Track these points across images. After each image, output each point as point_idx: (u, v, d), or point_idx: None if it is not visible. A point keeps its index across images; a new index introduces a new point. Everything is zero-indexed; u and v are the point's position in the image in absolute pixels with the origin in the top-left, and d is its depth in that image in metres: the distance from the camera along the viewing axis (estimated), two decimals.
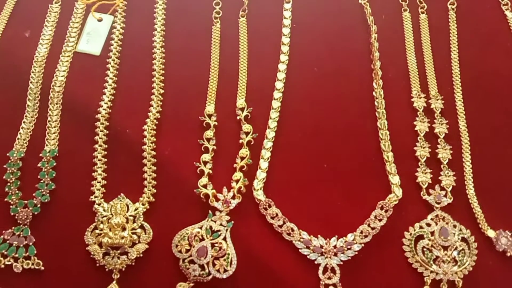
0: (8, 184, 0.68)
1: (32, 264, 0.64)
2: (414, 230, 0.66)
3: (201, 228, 0.65)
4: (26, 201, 0.67)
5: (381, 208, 0.67)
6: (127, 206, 0.67)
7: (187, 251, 0.64)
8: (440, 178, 0.69)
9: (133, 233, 0.65)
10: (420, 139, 0.71)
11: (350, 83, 0.75)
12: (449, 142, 0.72)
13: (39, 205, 0.67)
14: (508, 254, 0.66)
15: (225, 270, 0.63)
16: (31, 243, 0.65)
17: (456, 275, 0.64)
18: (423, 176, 0.69)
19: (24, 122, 0.71)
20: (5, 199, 0.67)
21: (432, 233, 0.66)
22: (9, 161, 0.69)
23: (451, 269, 0.64)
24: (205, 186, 0.67)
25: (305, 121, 0.73)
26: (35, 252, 0.65)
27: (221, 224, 0.66)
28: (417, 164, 0.70)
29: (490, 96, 0.75)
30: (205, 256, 0.64)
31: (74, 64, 0.75)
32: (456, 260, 0.65)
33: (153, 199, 0.67)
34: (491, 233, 0.67)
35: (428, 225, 0.66)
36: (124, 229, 0.65)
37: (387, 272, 0.65)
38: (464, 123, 0.73)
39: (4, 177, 0.68)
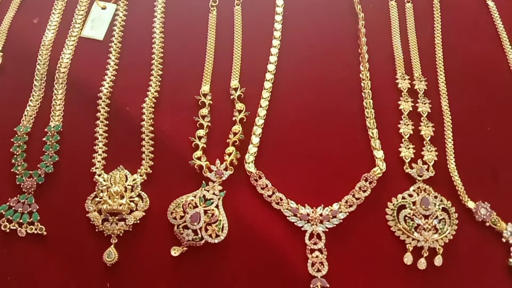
0: (15, 156, 0.72)
1: (35, 229, 0.68)
2: (397, 200, 0.70)
3: (195, 196, 0.69)
4: (31, 172, 0.71)
5: (366, 180, 0.71)
6: (126, 176, 0.71)
7: (181, 217, 0.68)
8: (422, 153, 0.73)
9: (131, 201, 0.69)
10: (404, 117, 0.75)
11: (338, 66, 0.79)
12: (431, 120, 0.76)
13: (43, 176, 0.71)
14: (487, 224, 0.69)
15: (217, 235, 0.67)
16: (35, 210, 0.69)
17: (437, 242, 0.68)
18: (406, 151, 0.73)
19: (31, 100, 0.76)
20: (12, 170, 0.71)
21: (414, 203, 0.69)
22: (16, 135, 0.73)
23: (432, 237, 0.67)
24: (199, 159, 0.71)
25: (295, 100, 0.77)
26: (38, 218, 0.69)
27: (213, 193, 0.69)
28: (401, 141, 0.74)
29: (471, 79, 0.79)
30: (198, 221, 0.67)
31: (79, 47, 0.80)
32: (436, 228, 0.68)
33: (151, 171, 0.72)
34: (471, 204, 0.70)
35: (410, 195, 0.70)
36: (122, 197, 0.69)
37: (370, 239, 0.68)
38: (446, 103, 0.77)
39: (11, 149, 0.72)
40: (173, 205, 0.69)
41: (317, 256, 0.66)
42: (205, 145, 0.73)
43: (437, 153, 0.73)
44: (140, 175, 0.71)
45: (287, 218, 0.69)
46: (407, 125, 0.75)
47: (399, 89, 0.77)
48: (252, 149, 0.73)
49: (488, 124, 0.76)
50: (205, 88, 0.77)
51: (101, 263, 0.66)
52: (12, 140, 0.73)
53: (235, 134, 0.73)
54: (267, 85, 0.77)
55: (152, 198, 0.70)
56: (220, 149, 0.73)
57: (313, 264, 0.66)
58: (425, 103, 0.76)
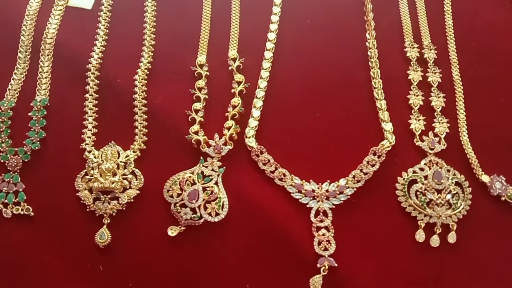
0: None
1: (22, 209, 0.64)
2: (407, 174, 0.66)
3: (192, 173, 0.65)
4: (16, 149, 0.66)
5: (374, 154, 0.66)
6: (118, 153, 0.66)
7: (179, 195, 0.64)
8: (433, 125, 0.69)
9: (124, 179, 0.65)
10: (413, 87, 0.71)
11: (343, 35, 0.75)
12: (442, 91, 0.71)
13: (29, 153, 0.66)
14: (503, 199, 0.65)
15: (217, 214, 0.63)
16: (21, 190, 0.65)
17: (450, 218, 0.64)
18: (416, 123, 0.69)
19: (15, 73, 0.71)
20: None
21: (426, 177, 0.65)
22: (0, 110, 0.68)
23: (445, 212, 0.64)
24: (196, 133, 0.67)
25: (297, 71, 0.72)
26: (25, 198, 0.64)
27: (212, 170, 0.65)
28: (410, 112, 0.70)
29: (482, 47, 0.75)
30: (196, 199, 0.63)
31: (66, 17, 0.75)
32: (450, 203, 0.64)
33: (144, 147, 0.67)
34: (485, 178, 0.66)
35: (422, 169, 0.66)
36: (114, 174, 0.65)
37: (380, 216, 0.64)
38: (457, 72, 0.73)
39: None
40: (169, 182, 0.64)
41: (323, 234, 0.62)
42: (202, 119, 0.68)
43: (448, 124, 0.69)
44: (133, 151, 0.67)
45: (291, 195, 0.64)
46: (417, 95, 0.70)
47: (407, 58, 0.73)
48: (253, 123, 0.68)
49: (501, 94, 0.72)
50: (202, 58, 0.72)
51: (93, 244, 0.62)
52: None
53: (234, 107, 0.69)
54: (268, 54, 0.72)
55: (146, 175, 0.65)
56: (218, 123, 0.68)
57: (319, 243, 0.62)
58: (435, 73, 0.72)
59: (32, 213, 0.64)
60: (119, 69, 0.71)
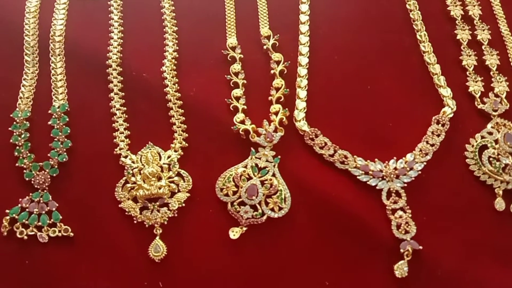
0: (17, 147, 0.59)
1: (59, 231, 0.56)
2: (476, 141, 0.61)
3: (246, 167, 0.58)
4: (41, 164, 0.59)
5: (437, 123, 0.61)
6: (159, 154, 0.59)
7: (235, 193, 0.57)
8: (492, 85, 0.64)
9: (170, 182, 0.58)
10: (464, 47, 0.66)
11: None
12: (494, 48, 0.66)
13: (56, 166, 0.59)
14: None
15: (280, 208, 0.57)
16: (54, 209, 0.57)
17: None
18: (475, 85, 0.64)
19: (25, 79, 0.63)
20: (17, 164, 0.58)
21: (496, 141, 0.61)
22: (15, 122, 0.60)
23: None
24: (242, 122, 0.60)
25: (338, 42, 0.66)
26: (61, 217, 0.57)
27: (267, 160, 0.59)
28: (466, 74, 0.65)
29: None
30: (256, 195, 0.57)
31: (72, 11, 0.67)
32: None
33: (186, 144, 0.60)
34: None
35: (490, 133, 0.61)
36: (159, 178, 0.58)
37: (454, 188, 0.59)
38: (506, 27, 0.68)
39: (11, 140, 0.59)
40: (221, 180, 0.58)
41: (400, 216, 0.57)
42: (245, 106, 0.61)
43: (507, 83, 0.64)
44: (175, 151, 0.60)
45: (357, 177, 0.59)
46: (469, 55, 0.65)
47: (452, 18, 0.68)
48: (300, 104, 0.62)
49: None
50: (232, 40, 0.65)
51: (147, 259, 0.56)
52: (10, 129, 0.60)
53: (277, 89, 0.62)
54: (304, 28, 0.66)
55: (194, 176, 0.59)
56: (263, 109, 0.62)
57: (398, 226, 0.56)
58: (483, 30, 0.67)
59: (71, 234, 0.56)
60: (143, 62, 0.64)
